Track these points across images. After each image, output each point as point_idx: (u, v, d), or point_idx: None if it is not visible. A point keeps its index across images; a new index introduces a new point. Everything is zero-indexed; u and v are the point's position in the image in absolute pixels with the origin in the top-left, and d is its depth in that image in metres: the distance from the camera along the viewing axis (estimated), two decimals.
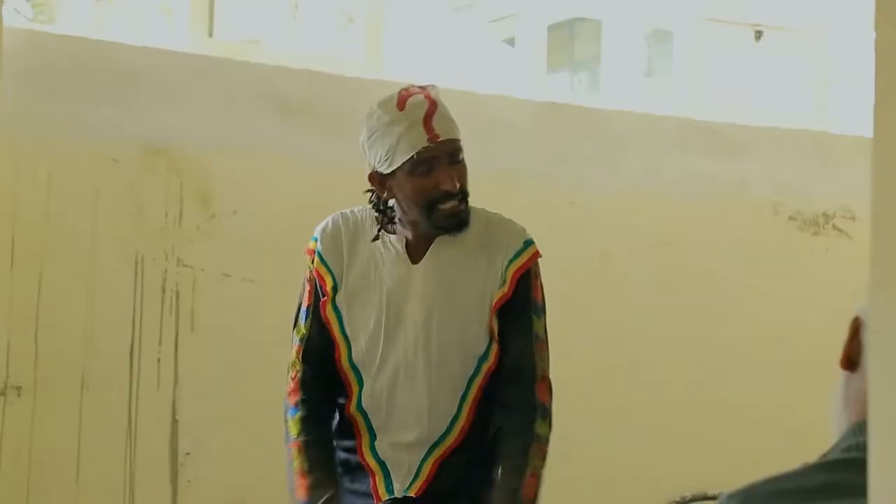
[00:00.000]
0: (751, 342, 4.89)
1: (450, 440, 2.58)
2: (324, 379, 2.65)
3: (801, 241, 5.04)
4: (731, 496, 1.24)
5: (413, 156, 2.48)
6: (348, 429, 2.63)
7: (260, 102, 4.27)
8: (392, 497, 2.59)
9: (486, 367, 2.59)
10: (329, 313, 2.63)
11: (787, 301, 4.95)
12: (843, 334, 1.30)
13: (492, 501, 2.55)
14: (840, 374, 1.32)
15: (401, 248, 2.59)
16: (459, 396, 2.58)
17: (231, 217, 4.17)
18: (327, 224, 2.65)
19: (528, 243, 2.62)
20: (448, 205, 2.51)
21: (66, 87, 4.01)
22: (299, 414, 2.62)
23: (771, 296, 4.95)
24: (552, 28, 5.28)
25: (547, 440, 2.61)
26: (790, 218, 5.04)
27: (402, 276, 2.57)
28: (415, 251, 2.59)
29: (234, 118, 4.22)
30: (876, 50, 0.98)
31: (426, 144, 2.48)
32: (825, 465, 1.22)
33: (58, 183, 3.96)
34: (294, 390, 2.64)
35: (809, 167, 5.07)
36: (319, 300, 2.64)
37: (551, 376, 2.70)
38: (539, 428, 2.60)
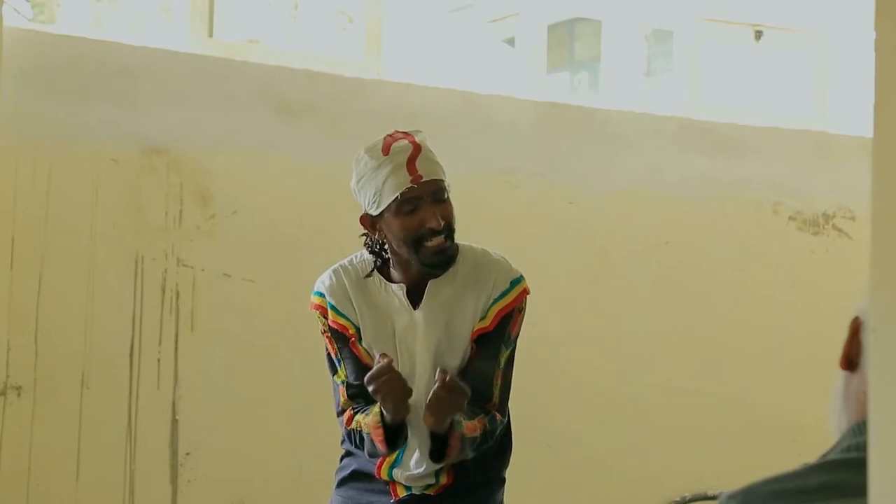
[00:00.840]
0: (751, 342, 4.89)
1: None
2: None
3: (801, 241, 5.05)
4: (731, 496, 1.24)
5: (398, 196, 2.60)
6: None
7: (260, 102, 4.27)
8: (410, 493, 2.74)
9: None
10: (363, 352, 2.74)
11: (787, 301, 4.95)
12: (842, 334, 1.30)
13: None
14: (840, 374, 1.31)
15: (402, 295, 2.71)
16: None
17: (231, 217, 4.18)
18: (331, 279, 2.75)
19: (515, 282, 2.74)
20: (434, 242, 2.62)
21: (66, 87, 4.01)
22: (349, 427, 2.76)
23: (771, 296, 4.95)
24: (552, 28, 5.28)
25: (493, 433, 2.70)
26: (790, 218, 5.04)
27: (407, 324, 2.71)
28: (414, 296, 2.71)
29: (234, 118, 4.22)
30: (876, 50, 0.98)
31: (409, 185, 2.60)
32: (825, 465, 1.22)
33: (58, 183, 3.96)
34: (347, 424, 2.77)
35: (809, 167, 5.07)
36: (346, 344, 2.74)
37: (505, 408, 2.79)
38: (487, 423, 2.69)
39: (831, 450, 1.24)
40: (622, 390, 4.68)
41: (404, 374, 2.65)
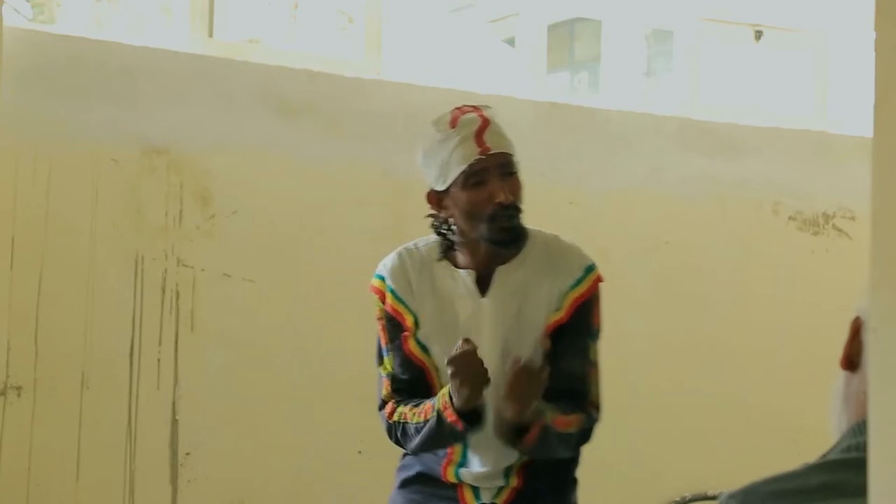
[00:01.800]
0: (751, 342, 4.89)
1: (524, 458, 2.61)
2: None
3: (801, 241, 5.04)
4: (731, 496, 1.24)
5: (465, 168, 2.51)
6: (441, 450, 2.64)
7: (260, 102, 4.27)
8: (480, 502, 2.63)
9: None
10: (414, 347, 2.62)
11: (787, 301, 4.95)
12: (843, 334, 1.30)
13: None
14: (840, 374, 1.31)
15: (471, 282, 2.60)
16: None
17: (231, 217, 4.18)
18: (395, 262, 2.64)
19: (589, 270, 2.65)
20: (503, 217, 2.52)
21: (65, 87, 4.01)
22: (391, 417, 2.64)
23: (771, 296, 4.95)
24: (552, 28, 5.28)
25: (582, 434, 2.63)
26: (790, 218, 5.04)
27: (472, 312, 2.59)
28: (481, 283, 2.60)
29: (234, 118, 4.22)
30: (876, 50, 0.98)
31: (477, 157, 2.51)
32: (825, 465, 1.22)
33: (58, 183, 3.96)
34: (386, 416, 2.66)
35: (809, 167, 5.07)
36: (399, 335, 2.63)
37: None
38: (584, 421, 2.62)
39: (831, 450, 1.25)
40: (622, 390, 4.66)
41: None
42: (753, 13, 5.41)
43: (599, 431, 2.78)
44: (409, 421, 2.58)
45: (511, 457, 2.59)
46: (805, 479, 1.20)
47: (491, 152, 2.52)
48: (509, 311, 2.58)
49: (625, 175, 4.78)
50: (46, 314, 3.93)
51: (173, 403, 4.08)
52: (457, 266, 2.61)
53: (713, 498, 4.64)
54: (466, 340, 2.45)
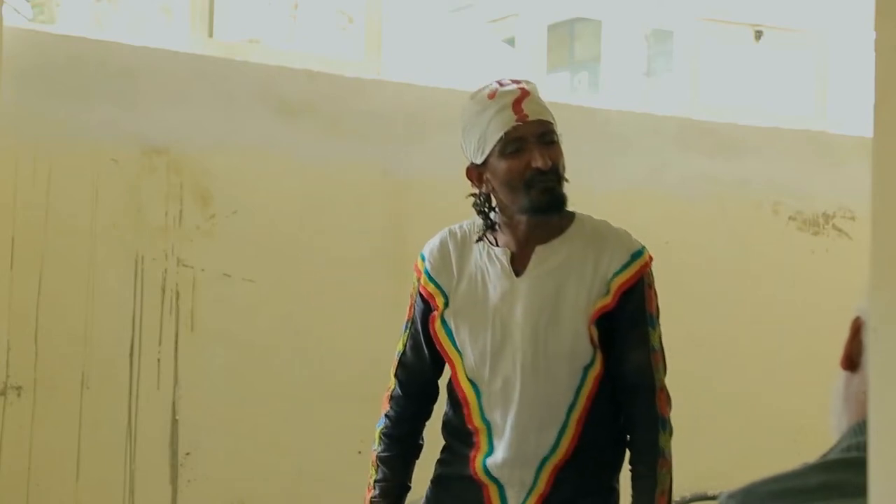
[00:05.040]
0: (751, 342, 4.89)
1: (560, 453, 2.54)
2: (414, 397, 2.68)
3: (801, 241, 5.05)
4: (731, 496, 1.24)
5: (502, 136, 2.47)
6: (467, 440, 2.61)
7: (260, 102, 4.27)
8: None
9: (592, 375, 2.54)
10: (438, 329, 2.60)
11: (787, 301, 4.95)
12: (843, 334, 1.30)
13: None
14: (840, 374, 1.31)
15: (505, 261, 2.56)
16: (567, 408, 2.54)
17: (231, 217, 4.18)
18: (435, 242, 2.64)
19: (637, 255, 2.58)
20: (541, 183, 2.47)
21: (66, 87, 4.01)
22: (382, 427, 2.69)
23: (771, 296, 4.95)
24: (552, 28, 5.28)
25: (670, 452, 2.58)
26: (790, 218, 5.04)
27: (506, 290, 2.54)
28: (519, 262, 2.56)
29: (234, 118, 4.22)
30: (876, 50, 0.98)
31: (515, 124, 2.48)
32: (825, 465, 1.22)
33: (58, 183, 3.96)
34: (384, 402, 2.70)
35: (809, 167, 5.07)
36: (423, 316, 2.63)
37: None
38: (662, 441, 2.56)
39: (831, 450, 1.24)
40: None
41: (493, 347, 2.53)
42: (753, 13, 5.41)
43: None
44: (371, 464, 2.69)
45: (542, 449, 2.54)
46: (805, 479, 1.20)
47: (529, 120, 2.49)
48: (546, 291, 2.53)
49: (625, 175, 4.78)
50: (46, 314, 3.93)
51: (173, 403, 4.08)
52: (497, 246, 2.58)
53: (713, 498, 4.64)
54: None
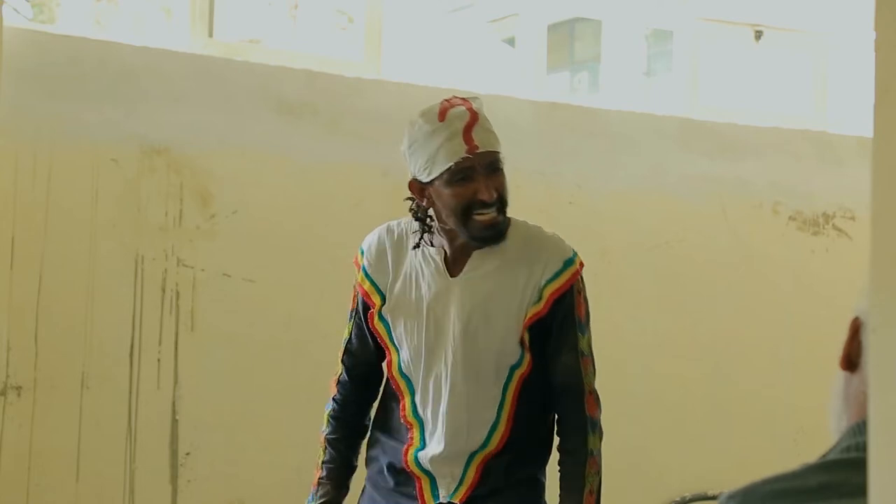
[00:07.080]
0: (751, 342, 4.90)
1: (490, 448, 2.64)
2: (359, 381, 2.79)
3: (801, 241, 5.05)
4: (731, 496, 1.24)
5: (451, 166, 2.52)
6: (403, 433, 2.70)
7: (260, 102, 4.27)
8: (438, 503, 2.66)
9: (518, 373, 2.63)
10: (377, 324, 2.70)
11: (787, 301, 4.95)
12: (842, 334, 1.30)
13: None
14: (840, 374, 1.31)
15: (440, 261, 2.63)
16: (497, 405, 2.63)
17: (231, 217, 4.18)
18: (373, 239, 2.71)
19: (569, 262, 2.65)
20: (485, 215, 2.55)
21: (66, 86, 4.01)
22: (329, 410, 2.81)
23: (771, 296, 4.95)
24: (552, 28, 5.28)
25: (599, 453, 2.70)
26: (790, 218, 5.04)
27: (441, 290, 2.62)
28: (454, 264, 2.63)
29: (234, 118, 4.22)
30: (876, 50, 0.98)
31: (465, 155, 2.53)
32: (825, 465, 1.22)
33: (58, 183, 3.96)
34: (332, 386, 2.81)
35: (809, 167, 5.07)
36: (364, 309, 2.72)
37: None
38: (591, 443, 2.68)
39: (831, 450, 1.24)
40: (622, 390, 4.67)
41: (429, 344, 2.62)
42: (753, 13, 5.41)
43: None
44: (319, 446, 2.79)
45: (473, 444, 2.63)
46: (805, 479, 1.20)
47: (478, 151, 2.54)
48: (479, 293, 2.61)
49: (625, 175, 4.79)
50: (46, 314, 3.93)
51: (173, 403, 4.09)
52: (432, 246, 2.65)
53: (713, 498, 4.64)
54: None
